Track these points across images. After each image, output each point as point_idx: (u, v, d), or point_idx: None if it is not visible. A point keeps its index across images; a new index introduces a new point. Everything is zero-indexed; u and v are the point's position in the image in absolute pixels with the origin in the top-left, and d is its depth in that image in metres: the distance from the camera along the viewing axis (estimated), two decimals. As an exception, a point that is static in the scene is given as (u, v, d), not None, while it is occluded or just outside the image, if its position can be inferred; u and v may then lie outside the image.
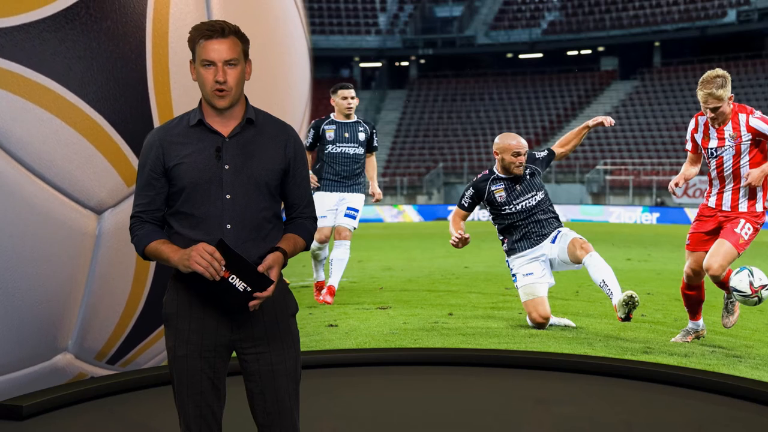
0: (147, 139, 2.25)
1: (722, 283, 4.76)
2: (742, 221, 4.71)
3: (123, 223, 3.06)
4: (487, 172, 5.61)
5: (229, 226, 2.17)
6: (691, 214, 22.03)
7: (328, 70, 40.20)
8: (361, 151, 6.55)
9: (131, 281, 3.24)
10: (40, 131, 2.81)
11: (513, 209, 5.44)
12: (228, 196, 2.18)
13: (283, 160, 2.24)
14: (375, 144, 6.70)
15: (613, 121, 5.59)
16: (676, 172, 5.28)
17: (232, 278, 2.10)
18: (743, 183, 4.70)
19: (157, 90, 3.06)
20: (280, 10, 3.72)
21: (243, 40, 2.21)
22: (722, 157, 4.76)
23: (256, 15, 3.43)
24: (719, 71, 4.67)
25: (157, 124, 3.05)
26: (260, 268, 2.12)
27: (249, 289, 2.10)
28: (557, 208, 5.70)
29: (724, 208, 4.80)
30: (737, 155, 4.72)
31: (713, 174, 4.84)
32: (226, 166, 2.18)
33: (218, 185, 2.17)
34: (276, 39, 3.60)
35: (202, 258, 2.06)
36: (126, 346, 3.42)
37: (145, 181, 2.22)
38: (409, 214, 30.85)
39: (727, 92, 4.63)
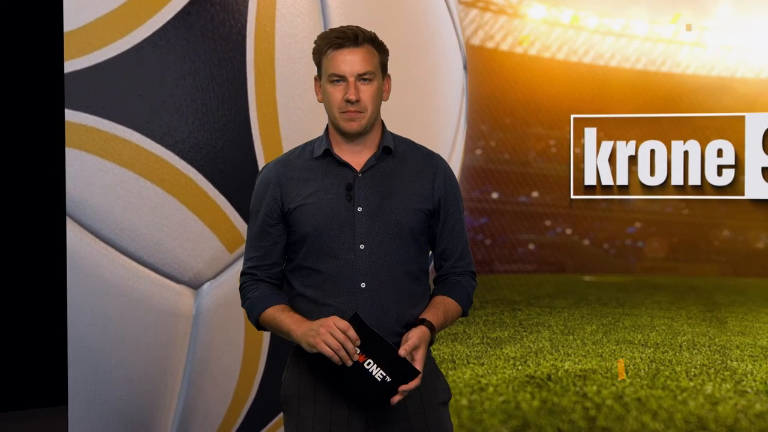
0: (261, 175, 1.78)
1: None
2: None
3: (226, 298, 2.52)
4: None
5: (363, 285, 1.71)
6: None
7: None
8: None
9: (240, 364, 2.70)
10: (118, 194, 2.28)
11: None
12: (362, 246, 1.71)
13: (431, 199, 1.76)
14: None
15: None
16: None
17: (369, 363, 1.64)
18: None
19: (263, 130, 2.49)
20: (423, 11, 3.03)
21: (381, 50, 1.74)
22: None
23: (390, 17, 2.80)
24: None
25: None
26: (402, 352, 1.65)
27: (389, 379, 1.66)
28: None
29: None
30: None
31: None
32: (359, 209, 1.71)
33: (350, 232, 1.70)
34: (418, 47, 2.93)
35: (333, 337, 1.60)
36: None
37: (258, 229, 1.75)
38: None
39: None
